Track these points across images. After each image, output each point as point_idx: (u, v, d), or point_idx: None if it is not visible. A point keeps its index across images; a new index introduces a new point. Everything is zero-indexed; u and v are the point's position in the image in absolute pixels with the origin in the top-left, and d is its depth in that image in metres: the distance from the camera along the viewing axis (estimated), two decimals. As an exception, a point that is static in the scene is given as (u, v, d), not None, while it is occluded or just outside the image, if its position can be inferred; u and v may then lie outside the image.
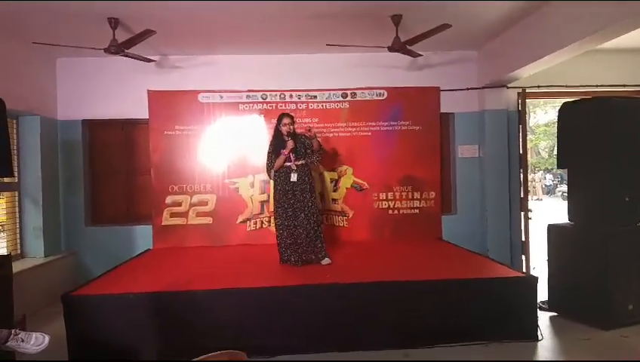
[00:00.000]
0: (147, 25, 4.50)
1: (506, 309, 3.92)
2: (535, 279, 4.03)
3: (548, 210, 13.90)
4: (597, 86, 6.18)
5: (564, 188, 20.18)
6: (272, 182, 5.12)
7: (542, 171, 24.20)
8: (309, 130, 4.91)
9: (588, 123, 4.36)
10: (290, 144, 4.75)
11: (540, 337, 3.95)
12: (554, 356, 3.73)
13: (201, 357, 2.43)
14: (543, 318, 4.38)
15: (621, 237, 4.22)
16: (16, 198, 5.55)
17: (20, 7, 4.32)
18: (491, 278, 4.13)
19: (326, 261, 4.76)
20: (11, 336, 2.66)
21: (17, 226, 5.56)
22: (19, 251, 5.52)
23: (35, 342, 2.69)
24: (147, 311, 3.72)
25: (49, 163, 5.79)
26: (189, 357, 3.04)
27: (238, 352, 2.54)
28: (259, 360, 3.58)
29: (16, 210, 5.55)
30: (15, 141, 5.48)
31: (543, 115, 21.66)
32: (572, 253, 4.48)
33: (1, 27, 4.86)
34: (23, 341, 2.66)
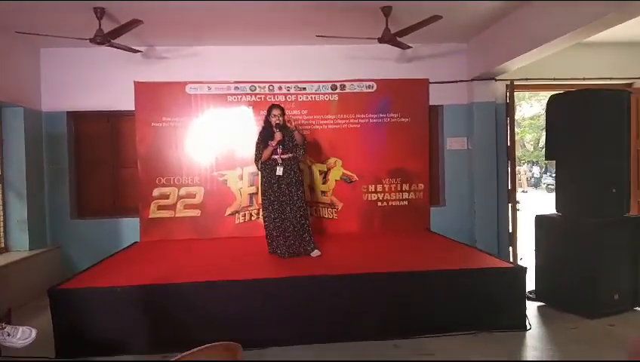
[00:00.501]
0: (133, 15, 4.42)
1: (494, 299, 3.94)
2: (524, 269, 4.06)
3: (533, 201, 14.04)
4: (584, 79, 6.23)
5: (549, 180, 20.56)
6: (259, 173, 5.09)
7: (527, 164, 24.45)
8: (290, 123, 4.84)
9: (576, 115, 4.39)
10: (277, 136, 4.72)
11: (528, 327, 3.99)
12: (542, 345, 3.77)
13: (195, 349, 2.41)
14: (531, 308, 4.42)
15: (608, 228, 4.26)
16: (0, 191, 5.45)
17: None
18: (480, 269, 4.16)
19: (316, 253, 4.75)
20: (-3, 330, 2.62)
21: (1, 219, 5.47)
22: (3, 245, 5.44)
23: (22, 335, 2.66)
24: (135, 305, 3.68)
25: (33, 155, 5.69)
26: (178, 350, 3.03)
27: (234, 344, 2.51)
28: (249, 352, 3.56)
29: (0, 203, 5.45)
30: (-2, 133, 5.39)
31: (529, 109, 21.81)
32: (559, 244, 4.52)
33: (-18, 15, 4.75)
34: (9, 335, 2.63)
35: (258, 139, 4.92)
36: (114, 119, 6.19)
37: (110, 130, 6.22)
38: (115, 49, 5.01)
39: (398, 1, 4.59)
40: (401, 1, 4.57)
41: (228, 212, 6.07)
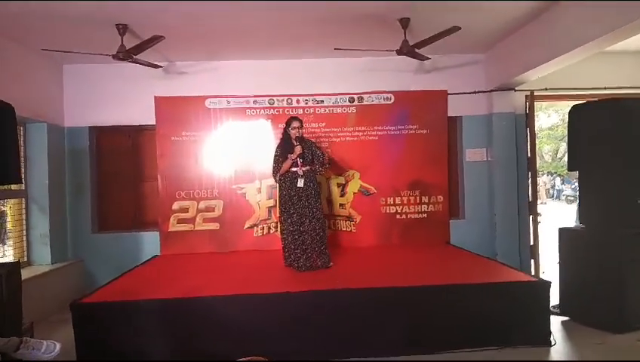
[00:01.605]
0: (155, 31, 4.50)
1: (518, 314, 3.87)
2: (548, 283, 3.98)
3: (553, 213, 13.84)
4: (605, 88, 6.14)
5: (569, 191, 20.23)
6: (278, 185, 5.10)
7: (546, 175, 24.11)
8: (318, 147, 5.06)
9: (599, 125, 4.32)
10: (297, 150, 4.75)
11: (553, 342, 3.91)
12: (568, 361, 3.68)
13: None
14: (555, 323, 4.32)
15: (634, 240, 4.16)
16: (23, 205, 5.53)
17: (26, 12, 4.32)
18: (504, 283, 4.09)
19: (330, 265, 4.78)
20: (22, 344, 2.64)
21: (24, 233, 5.54)
22: (25, 258, 5.49)
23: (46, 349, 2.68)
24: (156, 319, 3.70)
25: (56, 170, 5.78)
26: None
27: (263, 359, 2.48)
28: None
29: (23, 217, 5.53)
30: (22, 148, 5.47)
31: (546, 119, 21.59)
32: (584, 257, 4.43)
33: (8, 34, 4.87)
34: (34, 349, 2.65)
35: (277, 151, 4.94)
36: (135, 134, 6.27)
37: (131, 144, 6.29)
38: (135, 64, 5.08)
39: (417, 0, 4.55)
40: (420, 1, 4.46)
41: (246, 225, 6.08)
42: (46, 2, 4.10)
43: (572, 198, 16.78)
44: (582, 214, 4.62)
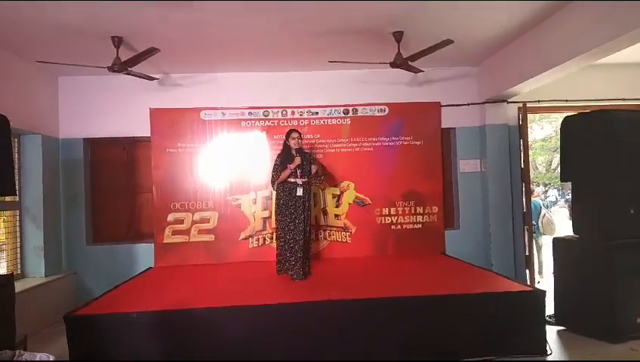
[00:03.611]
0: (150, 43, 4.51)
1: (513, 324, 3.88)
2: (543, 293, 3.99)
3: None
4: (597, 100, 6.22)
5: (561, 202, 20.31)
6: (274, 194, 5.15)
7: (540, 185, 24.18)
8: (314, 160, 5.22)
9: (591, 136, 4.38)
10: (297, 160, 4.94)
11: (548, 351, 3.91)
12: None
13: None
14: (551, 332, 4.33)
15: (627, 250, 4.19)
16: (17, 217, 5.50)
17: (22, 24, 4.34)
18: (499, 293, 4.09)
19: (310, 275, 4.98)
20: (16, 357, 2.62)
21: (18, 245, 5.50)
22: (19, 271, 5.45)
23: (40, 362, 2.64)
24: (151, 330, 3.67)
25: (50, 182, 5.76)
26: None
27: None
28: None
29: (17, 229, 5.50)
30: (16, 159, 5.44)
31: (540, 130, 21.71)
32: (578, 267, 4.45)
33: (3, 45, 4.89)
34: (27, 361, 2.62)
35: (277, 160, 5.08)
36: (130, 145, 6.27)
37: (126, 156, 6.28)
38: (131, 77, 5.11)
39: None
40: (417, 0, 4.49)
41: (241, 236, 6.07)
42: (41, 14, 4.12)
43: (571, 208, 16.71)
44: (575, 224, 4.65)
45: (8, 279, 3.53)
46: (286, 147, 5.10)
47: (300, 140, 5.06)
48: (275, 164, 5.09)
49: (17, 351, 2.68)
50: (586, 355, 3.91)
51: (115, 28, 4.53)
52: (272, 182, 5.09)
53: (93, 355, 3.60)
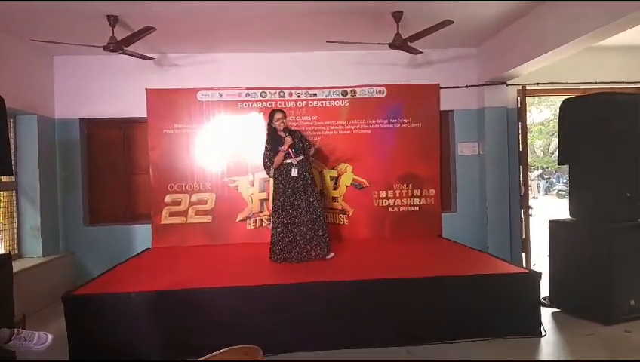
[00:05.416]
0: (146, 22, 4.45)
1: (509, 305, 3.92)
2: (538, 275, 4.02)
3: (544, 207, 13.95)
4: (596, 83, 6.19)
5: (560, 186, 20.35)
6: (272, 180, 5.09)
7: (537, 169, 24.23)
8: (314, 143, 5.07)
9: (590, 119, 4.36)
10: (288, 140, 4.76)
11: (543, 333, 3.96)
12: (557, 351, 3.74)
13: (215, 353, 2.41)
14: (545, 314, 4.37)
15: (623, 233, 4.21)
16: (14, 198, 5.50)
17: (16, 3, 4.27)
18: (495, 274, 4.12)
19: (331, 255, 4.81)
20: (14, 335, 2.63)
21: (15, 226, 5.51)
22: (17, 251, 5.47)
23: (38, 340, 2.66)
24: (148, 310, 3.69)
25: (47, 162, 5.74)
26: (192, 355, 3.02)
27: (253, 347, 2.50)
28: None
29: (14, 209, 5.49)
30: (12, 140, 5.41)
31: (538, 114, 21.68)
32: (574, 249, 4.48)
33: (-2, 25, 4.82)
34: (25, 340, 2.64)
35: (267, 147, 4.91)
36: (126, 126, 6.23)
37: (122, 137, 6.25)
38: (127, 56, 5.05)
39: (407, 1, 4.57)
40: (411, 1, 4.54)
41: (239, 218, 6.08)
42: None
43: (563, 193, 16.90)
44: (572, 207, 4.66)
45: (6, 258, 3.53)
46: (271, 130, 4.89)
47: (284, 120, 4.84)
48: (265, 150, 4.88)
49: (15, 329, 2.69)
50: (580, 336, 3.95)
51: (110, 6, 4.45)
52: (267, 170, 4.92)
53: (91, 334, 3.62)
